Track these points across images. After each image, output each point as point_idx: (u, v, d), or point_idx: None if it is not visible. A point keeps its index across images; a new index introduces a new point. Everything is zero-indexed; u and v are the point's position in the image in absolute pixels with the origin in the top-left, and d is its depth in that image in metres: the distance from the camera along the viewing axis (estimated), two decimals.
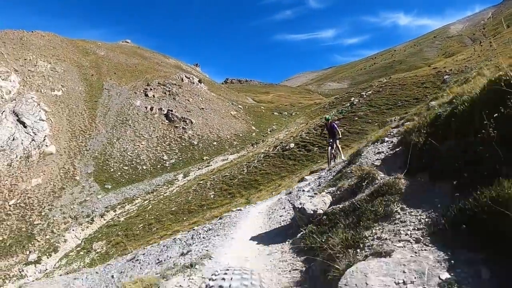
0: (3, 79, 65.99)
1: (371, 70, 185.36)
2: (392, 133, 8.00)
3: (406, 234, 3.57)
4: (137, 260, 10.22)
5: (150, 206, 37.13)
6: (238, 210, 13.14)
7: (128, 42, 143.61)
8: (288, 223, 7.32)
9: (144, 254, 10.81)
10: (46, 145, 51.53)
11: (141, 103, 68.85)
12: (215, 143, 60.55)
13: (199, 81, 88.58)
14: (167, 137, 60.35)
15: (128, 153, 54.95)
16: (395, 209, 4.18)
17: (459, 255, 2.83)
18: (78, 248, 33.30)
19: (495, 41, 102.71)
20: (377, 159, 6.69)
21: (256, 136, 64.89)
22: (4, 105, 59.68)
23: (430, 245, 3.21)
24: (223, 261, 5.73)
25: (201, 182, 38.30)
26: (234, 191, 30.74)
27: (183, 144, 58.79)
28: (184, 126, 62.34)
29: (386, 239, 3.72)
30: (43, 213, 40.46)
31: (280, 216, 8.39)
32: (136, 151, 55.65)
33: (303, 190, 9.67)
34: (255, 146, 56.25)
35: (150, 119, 64.33)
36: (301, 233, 5.63)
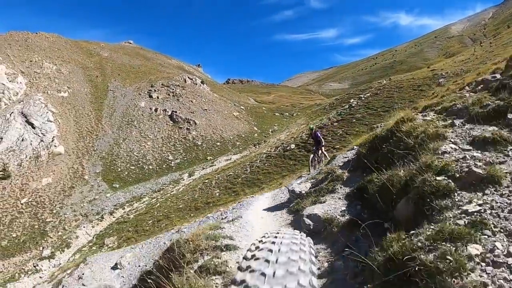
0: (10, 81, 68.00)
1: (372, 70, 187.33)
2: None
3: (337, 197, 7.24)
4: (182, 231, 12.56)
5: (158, 204, 39.07)
6: (251, 197, 16.24)
7: (130, 43, 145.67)
8: (285, 200, 10.48)
9: (186, 227, 13.27)
10: (55, 146, 53.52)
11: (145, 104, 70.86)
12: (218, 143, 62.47)
13: (202, 82, 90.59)
14: (172, 137, 62.31)
15: (135, 153, 56.93)
16: (337, 187, 7.79)
17: (354, 203, 6.35)
18: (90, 244, 35.25)
19: (495, 41, 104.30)
20: (341, 162, 10.26)
21: (258, 136, 66.83)
22: (12, 106, 61.70)
23: (344, 199, 6.87)
24: (249, 218, 9.04)
25: (206, 181, 40.23)
26: (238, 189, 32.55)
27: (188, 145, 60.73)
28: (188, 127, 64.29)
29: (327, 199, 7.28)
30: (54, 211, 42.44)
31: (281, 197, 11.52)
32: (142, 151, 57.62)
33: (296, 182, 12.58)
34: (257, 147, 58.15)
35: (155, 120, 66.28)
36: (292, 204, 9.06)
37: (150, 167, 54.59)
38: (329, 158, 16.29)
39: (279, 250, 3.19)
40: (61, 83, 72.82)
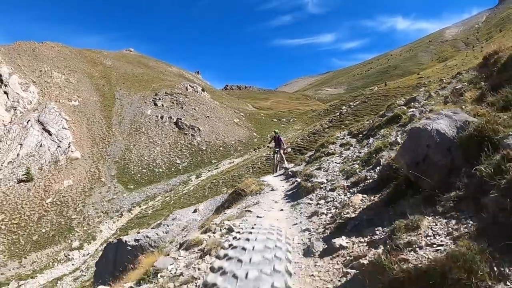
0: (23, 90, 73.96)
1: (367, 75, 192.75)
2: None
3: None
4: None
5: (172, 201, 45.11)
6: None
7: (131, 51, 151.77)
8: (284, 176, 14.98)
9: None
10: (72, 151, 59.51)
11: (151, 112, 76.92)
12: (221, 148, 68.46)
13: (202, 90, 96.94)
14: (178, 143, 68.26)
15: (145, 158, 62.94)
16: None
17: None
18: (115, 235, 41.20)
19: (486, 46, 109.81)
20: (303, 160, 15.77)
21: (257, 141, 72.80)
22: (27, 114, 67.65)
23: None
24: (265, 179, 14.31)
25: (214, 181, 46.31)
26: None
27: (193, 150, 66.70)
28: (193, 133, 70.29)
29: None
30: (78, 209, 48.45)
31: (280, 175, 15.96)
32: (152, 156, 63.58)
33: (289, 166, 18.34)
34: (257, 151, 63.99)
35: (161, 127, 72.25)
36: (287, 175, 13.88)
37: (160, 170, 60.56)
38: (285, 161, 20.61)
39: (253, 248, 3.24)
40: (71, 92, 78.82)
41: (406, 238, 3.33)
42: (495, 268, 2.42)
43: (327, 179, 9.03)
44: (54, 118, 66.02)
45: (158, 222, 21.38)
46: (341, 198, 6.92)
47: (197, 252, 5.65)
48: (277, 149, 20.18)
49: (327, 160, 11.58)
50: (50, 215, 47.29)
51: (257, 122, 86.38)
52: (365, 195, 6.05)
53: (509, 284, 2.33)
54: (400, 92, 53.80)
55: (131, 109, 78.30)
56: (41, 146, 60.19)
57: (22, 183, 52.63)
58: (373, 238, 4.12)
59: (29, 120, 64.84)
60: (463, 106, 5.59)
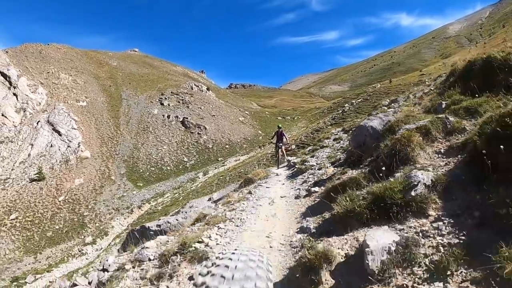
0: (32, 92, 75.91)
1: (371, 72, 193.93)
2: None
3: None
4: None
5: (181, 198, 46.80)
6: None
7: (136, 51, 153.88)
8: (287, 166, 16.96)
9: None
10: (82, 151, 61.36)
11: (158, 111, 78.75)
12: (227, 146, 70.19)
13: (207, 89, 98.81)
14: (185, 142, 70.03)
15: (153, 156, 64.73)
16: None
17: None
18: (127, 230, 43.03)
19: (489, 41, 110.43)
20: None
21: (262, 139, 74.49)
22: (37, 115, 69.58)
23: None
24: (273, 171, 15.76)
25: (221, 177, 47.97)
26: None
27: (200, 148, 68.44)
28: (199, 132, 72.04)
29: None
30: (89, 207, 50.29)
31: (283, 167, 17.92)
32: (159, 155, 65.37)
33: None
34: (263, 148, 65.60)
35: (168, 126, 74.06)
36: (289, 165, 15.93)
37: (168, 168, 62.34)
38: (286, 156, 21.72)
39: (235, 266, 3.33)
40: (78, 93, 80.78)
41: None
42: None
43: (316, 163, 13.08)
44: (63, 118, 67.89)
45: (176, 210, 23.39)
46: (322, 171, 10.64)
47: (228, 204, 9.59)
48: (280, 144, 20.69)
49: (321, 150, 15.11)
50: (63, 212, 49.09)
51: (262, 120, 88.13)
52: (335, 167, 9.87)
53: None
54: (401, 90, 55.14)
55: (138, 109, 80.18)
56: (51, 146, 62.07)
57: (34, 182, 54.46)
58: (331, 185, 6.96)
59: (39, 121, 66.74)
60: (414, 108, 8.63)
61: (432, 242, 3.67)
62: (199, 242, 6.16)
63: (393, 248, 3.65)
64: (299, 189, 9.64)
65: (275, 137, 21.48)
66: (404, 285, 3.35)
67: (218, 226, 7.20)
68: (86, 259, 41.00)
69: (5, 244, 43.46)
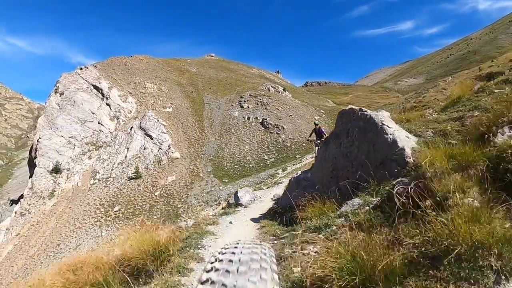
0: (123, 101, 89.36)
1: (447, 62, 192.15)
2: None
3: None
4: None
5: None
6: None
7: (212, 56, 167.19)
8: None
9: None
10: (172, 152, 72.25)
11: (238, 113, 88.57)
12: (304, 144, 77.60)
13: (284, 90, 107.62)
14: (265, 141, 78.57)
15: (236, 155, 74.00)
16: None
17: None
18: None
19: None
20: None
21: None
22: (129, 122, 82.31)
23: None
24: None
25: (299, 172, 55.67)
26: None
27: (279, 146, 76.53)
28: (277, 132, 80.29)
29: None
30: (182, 200, 60.35)
31: None
32: (242, 154, 74.48)
33: None
34: None
35: (248, 127, 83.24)
36: None
37: (250, 165, 71.11)
38: None
39: (239, 260, 3.49)
40: (164, 100, 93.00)
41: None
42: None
43: None
44: (153, 124, 79.44)
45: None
46: None
47: None
48: (318, 142, 20.57)
49: None
50: (159, 205, 59.48)
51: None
52: None
53: None
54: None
55: (219, 112, 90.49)
56: (144, 149, 73.58)
57: (132, 180, 66.34)
58: None
59: (132, 127, 78.98)
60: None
61: None
62: None
63: None
64: None
65: (313, 134, 21.90)
66: None
67: None
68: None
69: (111, 231, 54.32)
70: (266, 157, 73.57)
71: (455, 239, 3.26)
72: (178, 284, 5.56)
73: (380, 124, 6.81)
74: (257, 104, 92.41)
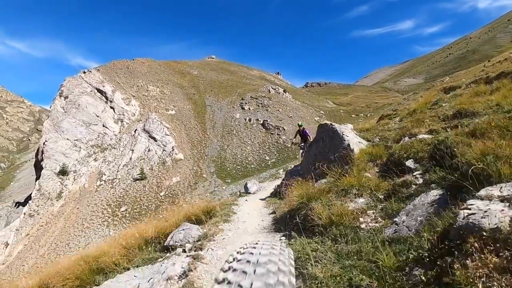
0: (126, 104, 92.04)
1: (446, 62, 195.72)
2: None
3: None
4: None
5: None
6: None
7: (213, 58, 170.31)
8: None
9: None
10: (176, 153, 74.94)
11: (240, 115, 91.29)
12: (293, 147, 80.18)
13: (284, 91, 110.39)
14: (266, 142, 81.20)
15: (238, 156, 76.67)
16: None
17: None
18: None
19: None
20: None
21: None
22: (133, 125, 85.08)
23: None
24: None
25: None
26: None
27: (279, 147, 79.15)
28: (278, 133, 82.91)
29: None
30: (187, 199, 62.89)
31: None
32: (244, 154, 77.11)
33: None
34: None
35: (250, 128, 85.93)
36: None
37: (252, 166, 73.75)
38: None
39: (257, 261, 3.48)
40: (167, 103, 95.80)
41: None
42: None
43: None
44: (157, 126, 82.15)
45: None
46: None
47: None
48: (302, 145, 21.22)
49: None
50: (164, 204, 62.15)
51: (337, 118, 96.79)
52: None
53: None
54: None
55: (221, 114, 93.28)
56: (149, 150, 76.30)
57: (137, 181, 69.13)
58: None
59: (136, 130, 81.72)
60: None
61: None
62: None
63: None
64: None
65: (297, 136, 22.31)
66: None
67: None
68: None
69: (119, 230, 56.76)
70: (267, 158, 76.05)
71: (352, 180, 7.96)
72: (220, 226, 10.28)
73: (341, 134, 10.49)
74: (258, 105, 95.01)
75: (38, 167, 76.04)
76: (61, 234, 59.18)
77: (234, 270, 3.42)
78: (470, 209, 3.85)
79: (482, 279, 3.10)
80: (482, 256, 3.27)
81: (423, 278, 3.70)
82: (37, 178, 73.40)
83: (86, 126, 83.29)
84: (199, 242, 8.67)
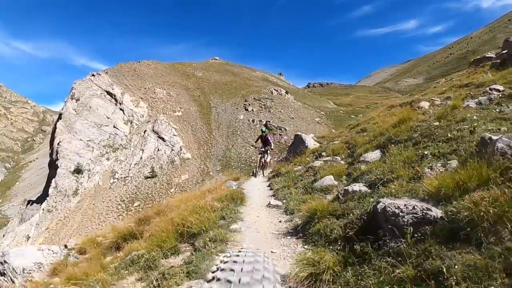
0: (135, 106, 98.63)
1: (446, 62, 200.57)
2: None
3: None
4: None
5: None
6: None
7: (217, 59, 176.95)
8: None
9: None
10: (184, 153, 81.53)
11: (244, 116, 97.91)
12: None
13: (286, 92, 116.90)
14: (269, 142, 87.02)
15: (243, 155, 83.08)
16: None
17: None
18: None
19: None
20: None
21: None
22: (142, 126, 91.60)
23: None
24: None
25: None
26: None
27: (282, 147, 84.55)
28: (280, 133, 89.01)
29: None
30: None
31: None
32: (248, 154, 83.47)
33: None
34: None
35: (253, 129, 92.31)
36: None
37: (256, 164, 79.59)
38: (271, 164, 24.02)
39: (241, 269, 3.55)
40: (173, 105, 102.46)
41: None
42: None
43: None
44: (165, 127, 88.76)
45: None
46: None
47: None
48: (263, 150, 21.85)
49: None
50: None
51: (336, 119, 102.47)
52: None
53: None
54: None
55: (226, 115, 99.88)
56: (158, 150, 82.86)
57: (148, 179, 75.59)
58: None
59: (145, 130, 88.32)
60: None
61: None
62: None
63: None
64: None
65: (259, 141, 22.96)
66: None
67: None
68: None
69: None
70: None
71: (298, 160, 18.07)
72: (244, 181, 18.46)
73: (305, 139, 18.89)
74: (261, 107, 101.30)
75: (53, 167, 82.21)
76: (79, 227, 65.37)
77: (218, 279, 3.65)
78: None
79: None
80: None
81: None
82: (52, 176, 79.48)
83: (98, 127, 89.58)
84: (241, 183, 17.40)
